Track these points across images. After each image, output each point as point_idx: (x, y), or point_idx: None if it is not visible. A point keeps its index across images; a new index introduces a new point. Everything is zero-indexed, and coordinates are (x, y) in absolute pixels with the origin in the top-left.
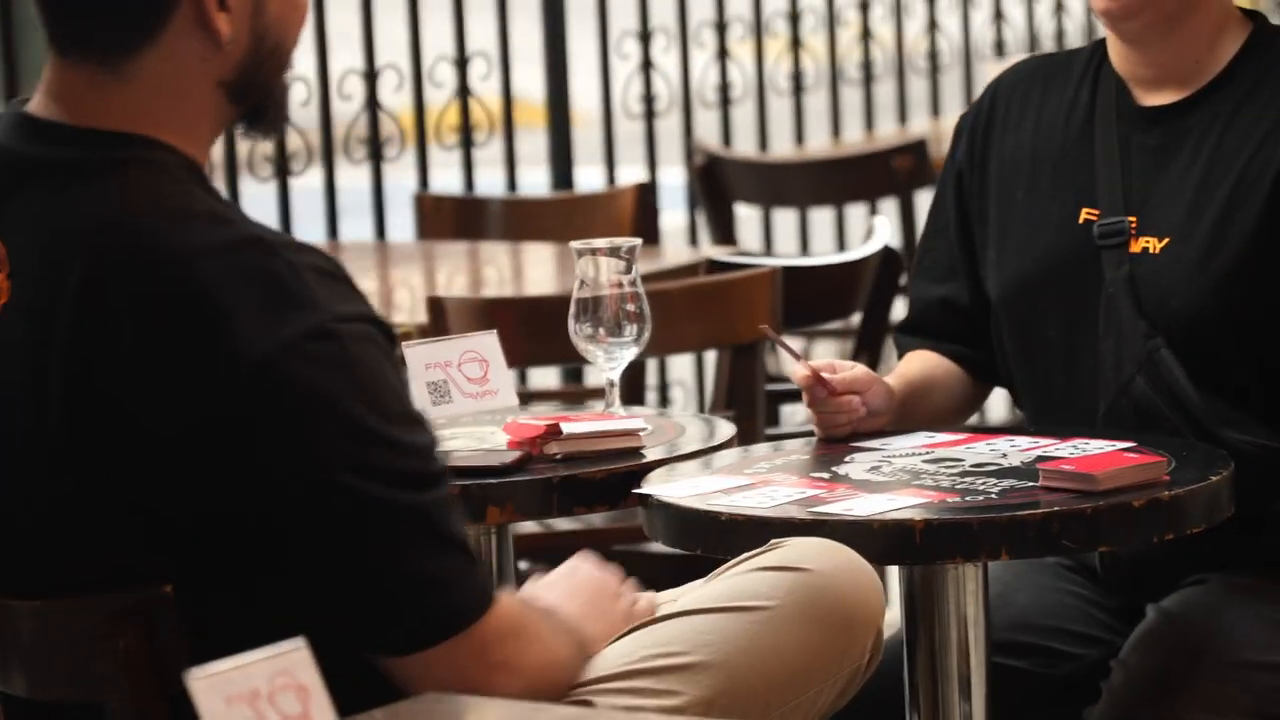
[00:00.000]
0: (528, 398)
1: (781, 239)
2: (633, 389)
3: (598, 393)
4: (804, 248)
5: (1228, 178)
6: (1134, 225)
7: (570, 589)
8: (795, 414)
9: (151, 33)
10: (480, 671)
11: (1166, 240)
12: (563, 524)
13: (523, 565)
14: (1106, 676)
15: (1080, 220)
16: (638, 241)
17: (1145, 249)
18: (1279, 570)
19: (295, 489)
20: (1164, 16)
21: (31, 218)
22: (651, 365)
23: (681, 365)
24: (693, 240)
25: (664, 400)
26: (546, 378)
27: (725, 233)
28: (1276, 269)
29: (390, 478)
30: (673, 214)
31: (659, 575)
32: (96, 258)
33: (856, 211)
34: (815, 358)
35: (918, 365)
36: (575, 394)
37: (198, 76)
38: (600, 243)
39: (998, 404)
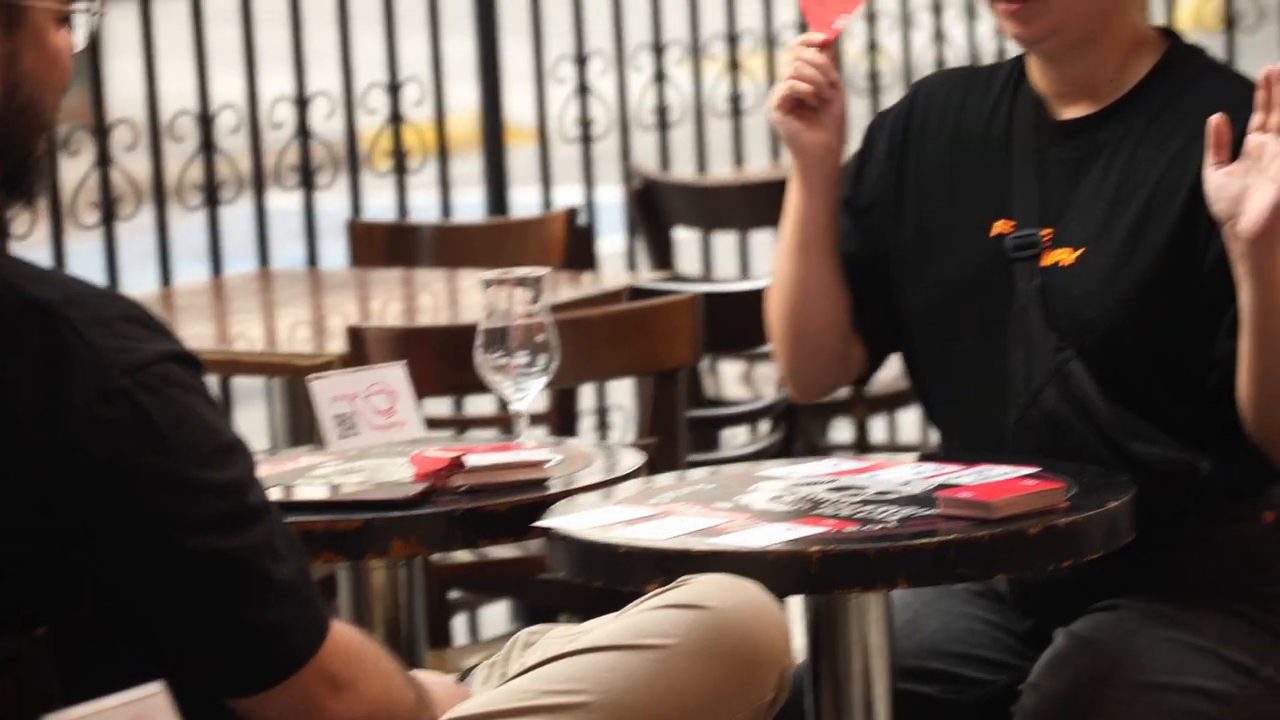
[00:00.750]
0: (464, 424)
1: (721, 262)
2: (565, 416)
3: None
4: (744, 271)
5: (1141, 191)
6: (1048, 238)
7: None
8: (735, 437)
9: None
10: (322, 697)
11: (1080, 251)
12: (500, 552)
13: (454, 595)
14: (1016, 701)
15: (995, 233)
16: (545, 271)
17: (1057, 262)
18: (1188, 594)
19: (117, 550)
20: (1074, 39)
21: None
22: (589, 390)
23: (621, 389)
24: (631, 265)
25: (602, 425)
26: (483, 404)
27: (663, 257)
28: (1187, 282)
29: (208, 524)
30: (612, 238)
31: (577, 605)
32: None
33: None
34: (755, 382)
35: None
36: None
37: None
38: (507, 273)
39: (910, 423)
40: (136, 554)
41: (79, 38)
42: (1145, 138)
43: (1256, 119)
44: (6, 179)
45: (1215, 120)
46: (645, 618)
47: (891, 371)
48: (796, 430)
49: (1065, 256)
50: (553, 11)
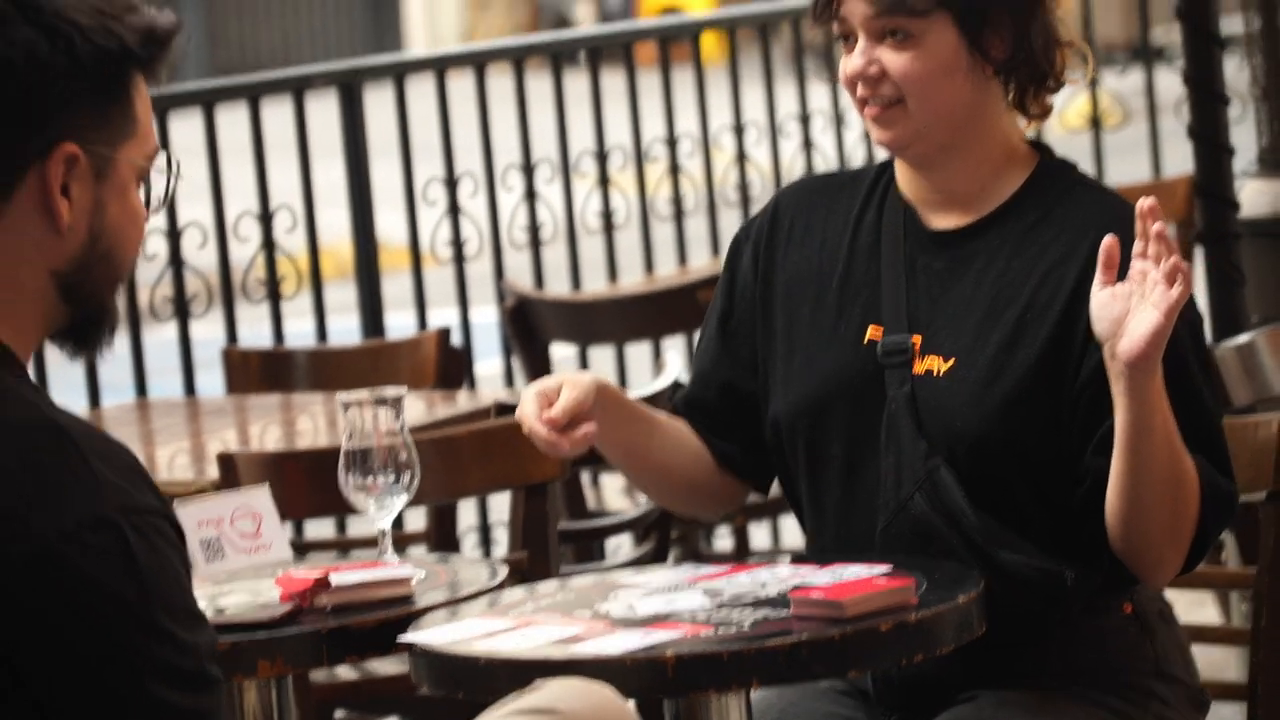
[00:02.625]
0: (346, 545)
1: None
2: (444, 533)
3: (414, 537)
4: (621, 383)
5: (1014, 305)
6: (918, 345)
7: None
8: (620, 547)
9: None
10: None
11: (951, 362)
12: (384, 668)
13: (340, 714)
14: None
15: (865, 339)
16: (403, 390)
17: (929, 370)
18: (1048, 685)
19: (72, 678)
20: (939, 146)
21: None
22: (469, 506)
23: (500, 504)
24: (509, 383)
25: (485, 540)
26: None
27: (540, 373)
28: (1057, 398)
29: (167, 675)
30: (490, 360)
31: None
32: None
33: (674, 344)
34: (638, 493)
35: (678, 426)
36: (344, 543)
37: (32, 261)
38: (365, 394)
39: (793, 529)
40: (89, 684)
41: (156, 198)
42: (1018, 252)
43: (1138, 246)
44: (75, 329)
45: (1108, 242)
46: None
47: None
48: (673, 540)
49: (937, 365)
50: (420, 134)
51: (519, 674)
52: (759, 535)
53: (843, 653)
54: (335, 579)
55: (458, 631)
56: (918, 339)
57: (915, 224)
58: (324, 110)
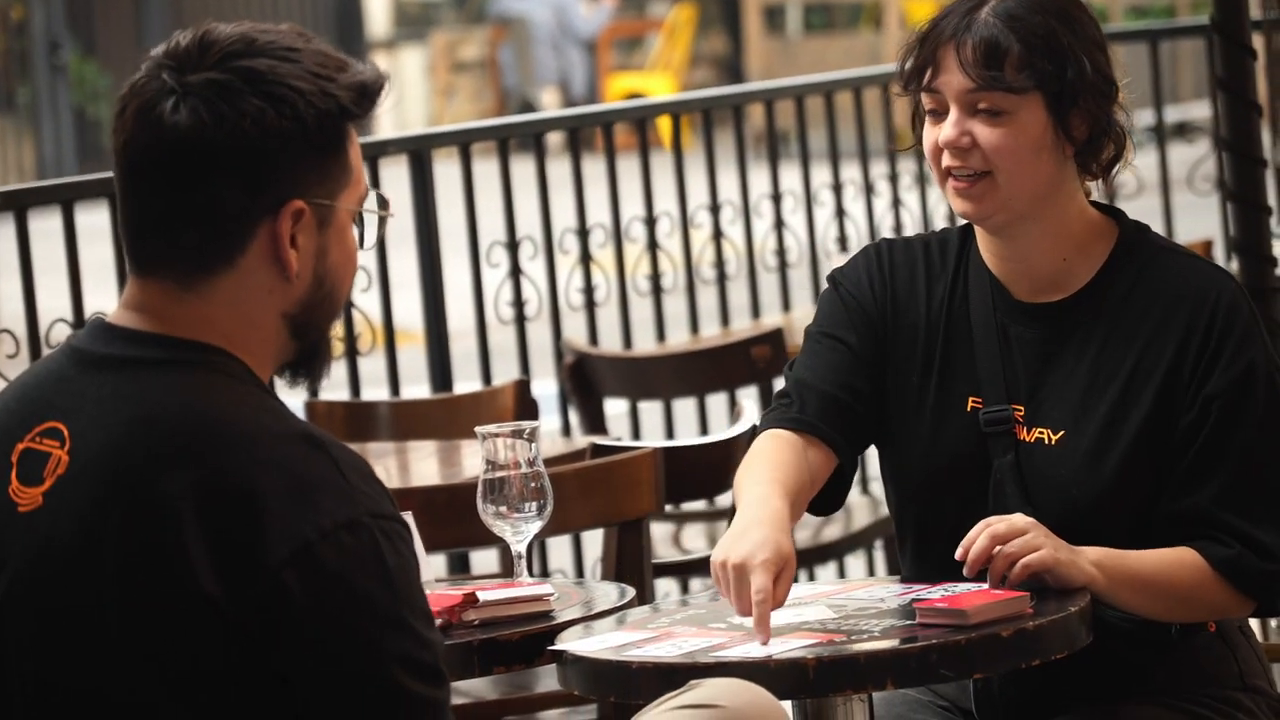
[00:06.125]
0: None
1: (648, 431)
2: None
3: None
4: (669, 437)
5: (1118, 376)
6: (1020, 414)
7: None
8: (672, 592)
9: (230, 259)
10: None
11: (1061, 434)
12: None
13: None
14: None
15: (969, 408)
16: (538, 423)
17: (1040, 439)
18: (1144, 698)
19: (321, 667)
20: (1020, 216)
21: (98, 400)
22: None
23: (561, 553)
24: (567, 437)
25: (580, 575)
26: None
27: (596, 426)
28: (1158, 464)
29: (408, 665)
30: (547, 418)
31: None
32: (158, 438)
33: (716, 401)
34: (685, 539)
35: (794, 473)
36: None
37: (265, 305)
38: (502, 427)
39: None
40: (342, 673)
41: (369, 238)
42: (1116, 324)
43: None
44: (300, 362)
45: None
46: (664, 718)
47: (835, 527)
48: None
49: (1047, 435)
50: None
51: (669, 677)
52: (825, 573)
53: (969, 656)
54: (483, 595)
55: (605, 641)
56: (1019, 409)
57: (1003, 295)
58: None
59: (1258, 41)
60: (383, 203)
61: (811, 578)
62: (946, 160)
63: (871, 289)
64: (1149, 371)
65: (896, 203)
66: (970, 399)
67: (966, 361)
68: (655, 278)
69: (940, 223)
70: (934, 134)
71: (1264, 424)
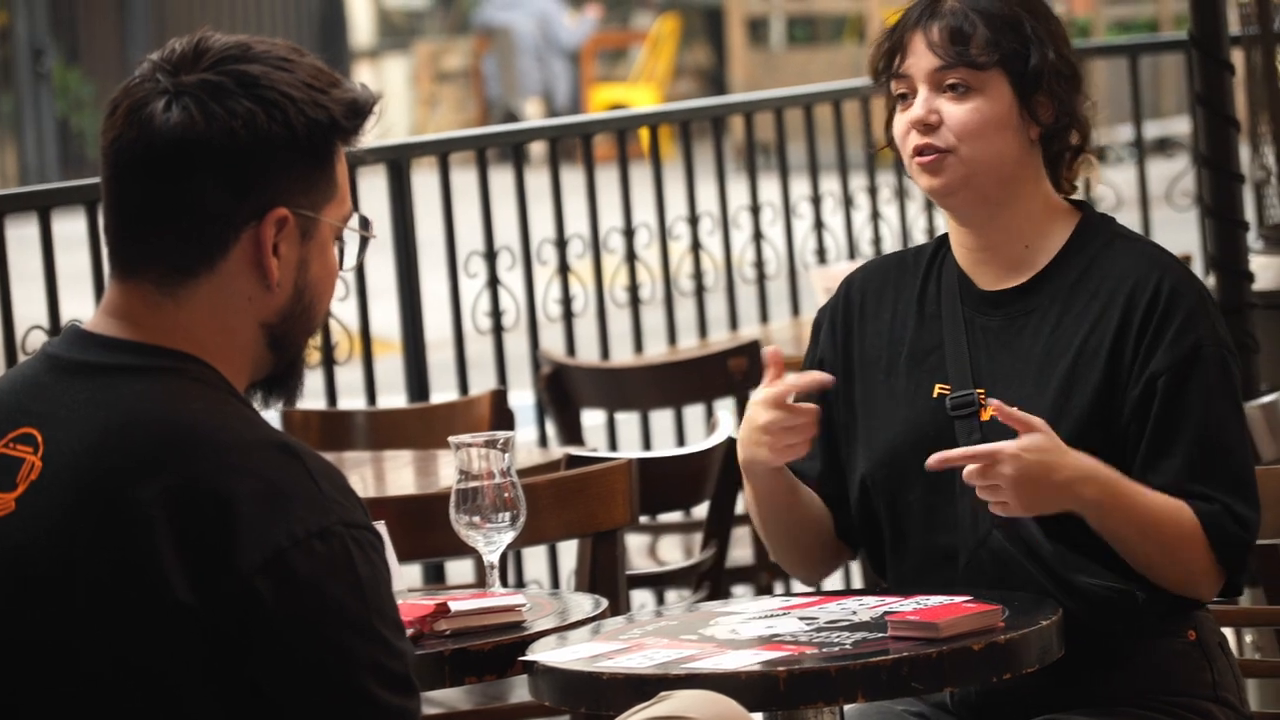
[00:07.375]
0: None
1: (625, 442)
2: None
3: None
4: (646, 448)
5: (1066, 355)
6: (982, 396)
7: None
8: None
9: (211, 262)
10: None
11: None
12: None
13: None
14: None
15: (934, 395)
16: (512, 434)
17: (995, 418)
18: (1117, 704)
19: (292, 675)
20: (984, 198)
21: (73, 407)
22: (508, 563)
23: (537, 564)
24: (543, 447)
25: (555, 585)
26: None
27: (573, 436)
28: (1112, 432)
29: (379, 674)
30: (524, 428)
31: None
32: (131, 445)
33: (694, 413)
34: (661, 550)
35: (811, 490)
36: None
37: (244, 313)
38: (476, 437)
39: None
40: (312, 680)
41: (350, 259)
42: (1068, 307)
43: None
44: (275, 378)
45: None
46: None
47: None
48: (721, 592)
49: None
50: (464, 213)
51: (639, 688)
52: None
53: (939, 670)
54: (454, 605)
55: (576, 652)
56: (982, 392)
57: (969, 288)
58: None
59: (1237, 57)
60: (365, 223)
61: (788, 591)
62: (914, 140)
63: (833, 332)
64: (1095, 349)
65: (875, 215)
66: (938, 386)
67: (935, 356)
68: (633, 289)
69: (920, 237)
70: (904, 118)
71: (1216, 400)
